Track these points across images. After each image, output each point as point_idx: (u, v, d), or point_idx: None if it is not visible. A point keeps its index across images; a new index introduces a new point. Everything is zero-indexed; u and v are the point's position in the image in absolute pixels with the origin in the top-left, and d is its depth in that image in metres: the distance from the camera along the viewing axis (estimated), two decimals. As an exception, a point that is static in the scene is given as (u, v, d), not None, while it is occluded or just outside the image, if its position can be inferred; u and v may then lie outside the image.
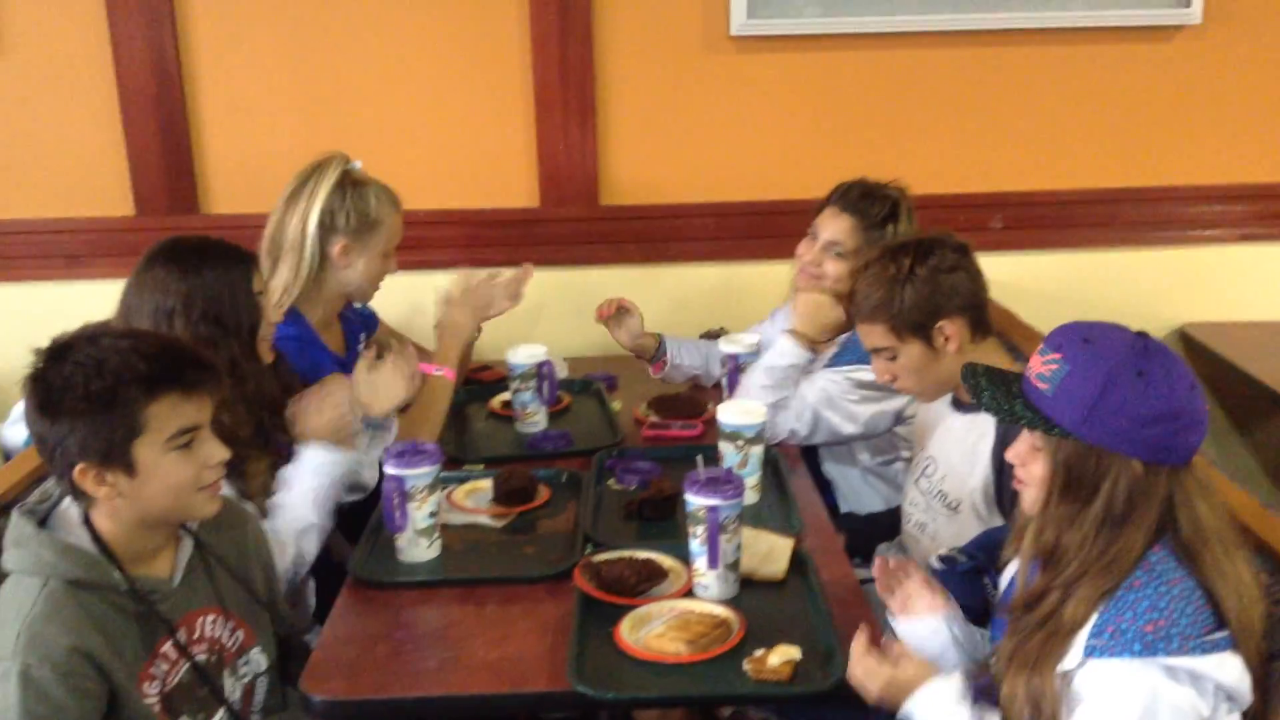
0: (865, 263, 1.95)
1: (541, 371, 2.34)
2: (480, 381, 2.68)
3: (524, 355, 2.33)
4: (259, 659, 1.64)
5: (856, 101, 2.89)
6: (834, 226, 2.32)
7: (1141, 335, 1.33)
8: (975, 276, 1.91)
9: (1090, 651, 1.26)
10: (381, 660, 1.56)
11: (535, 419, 2.36)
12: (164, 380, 1.41)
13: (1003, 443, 1.81)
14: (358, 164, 2.31)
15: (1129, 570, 1.28)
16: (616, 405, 2.49)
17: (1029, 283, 2.89)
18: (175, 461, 1.44)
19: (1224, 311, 3.00)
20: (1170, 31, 2.85)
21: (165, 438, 1.42)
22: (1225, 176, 2.94)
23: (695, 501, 1.64)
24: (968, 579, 1.66)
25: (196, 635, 1.55)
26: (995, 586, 1.60)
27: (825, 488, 2.33)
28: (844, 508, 2.35)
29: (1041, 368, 1.34)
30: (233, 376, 1.76)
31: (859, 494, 2.35)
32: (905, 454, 2.33)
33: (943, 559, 1.69)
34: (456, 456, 2.22)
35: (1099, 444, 1.28)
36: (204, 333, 1.78)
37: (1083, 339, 1.33)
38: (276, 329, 2.01)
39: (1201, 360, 2.91)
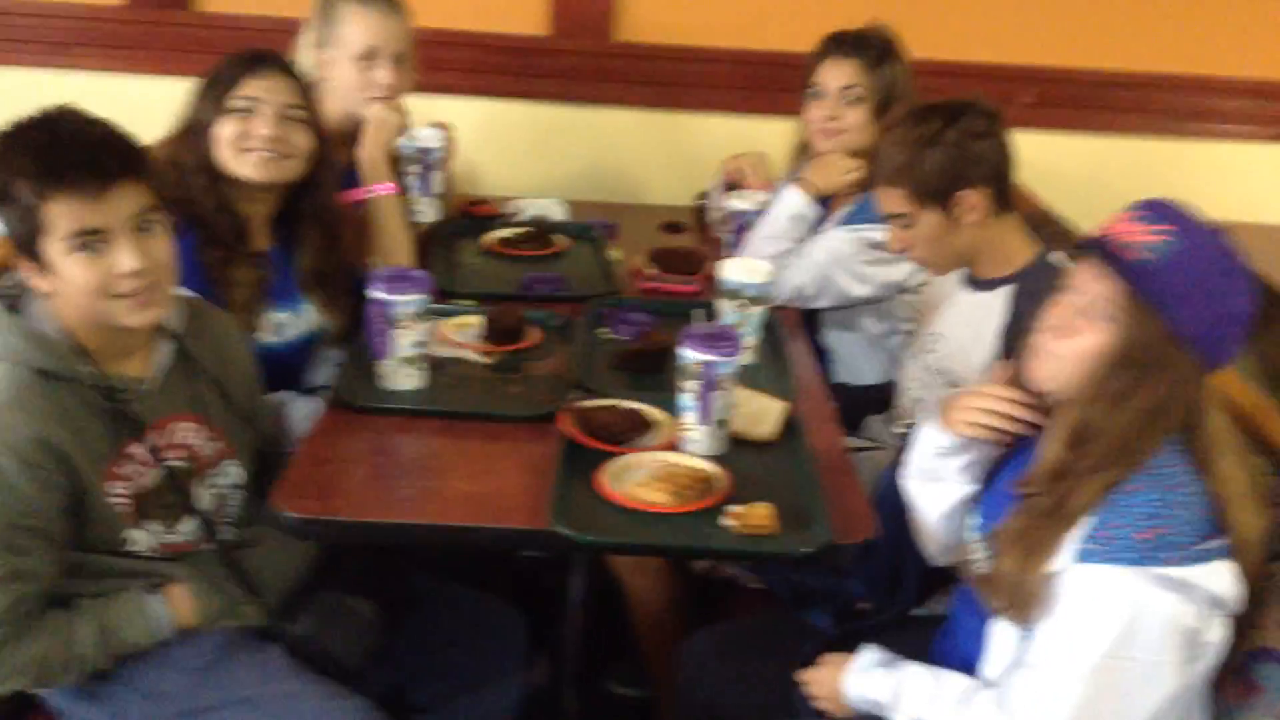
0: (891, 123, 1.85)
1: (424, 158, 2.20)
2: (474, 216, 2.58)
3: (417, 137, 2.19)
4: (235, 472, 1.60)
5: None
6: (841, 73, 2.24)
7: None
8: (1003, 146, 1.81)
9: (1082, 556, 1.23)
10: (358, 483, 1.53)
11: (418, 208, 2.24)
12: (51, 179, 1.33)
13: (1014, 322, 1.76)
14: None
15: (1137, 467, 1.24)
16: (615, 254, 2.40)
17: (1052, 164, 2.76)
18: (79, 264, 1.37)
19: (1248, 213, 2.90)
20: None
21: (61, 238, 1.35)
22: (1267, 71, 2.81)
23: (690, 355, 1.58)
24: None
25: (171, 440, 1.51)
26: None
27: (821, 358, 2.28)
28: (839, 377, 2.30)
29: (1145, 236, 1.26)
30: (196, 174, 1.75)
31: (857, 363, 2.30)
32: (906, 326, 2.27)
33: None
34: (446, 289, 2.15)
35: (1181, 329, 1.22)
36: (182, 132, 1.77)
37: (1195, 219, 1.27)
38: None
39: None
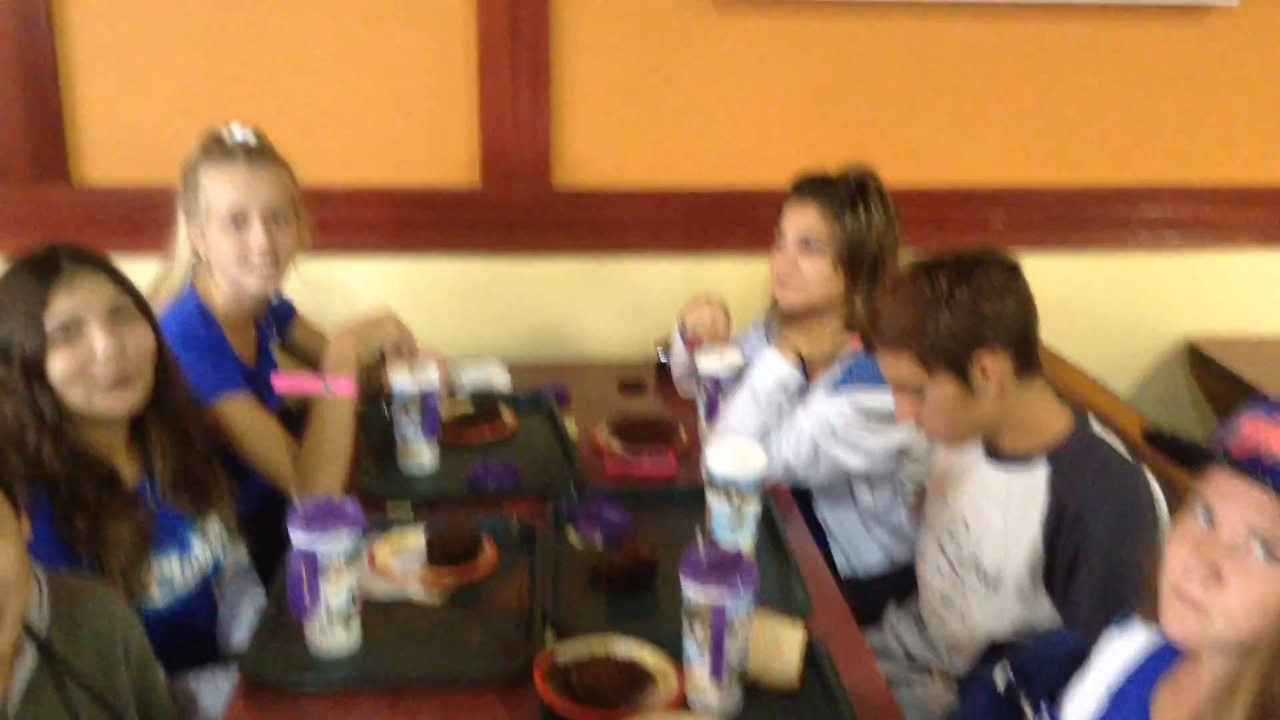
0: (894, 280, 1.61)
1: (426, 402, 1.92)
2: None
3: (408, 378, 1.90)
4: (123, 794, 1.25)
5: (848, 78, 2.53)
6: (799, 220, 2.01)
7: None
8: (1025, 302, 1.58)
9: None
10: (283, 811, 1.18)
11: (420, 456, 1.95)
12: None
13: (1059, 510, 1.50)
14: (230, 132, 1.89)
15: None
16: (572, 427, 2.11)
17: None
18: None
19: (1236, 323, 2.74)
20: (1199, 13, 2.54)
21: None
22: (1245, 175, 2.66)
23: (697, 595, 1.28)
24: (998, 706, 1.31)
25: None
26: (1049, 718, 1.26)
27: (818, 534, 1.99)
28: (840, 560, 2.01)
29: None
30: (33, 425, 1.41)
31: (856, 544, 2.02)
32: (909, 498, 2.01)
33: (970, 680, 1.35)
34: (376, 493, 1.83)
35: None
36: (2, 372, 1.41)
37: None
38: (176, 325, 1.74)
39: (1211, 377, 2.65)
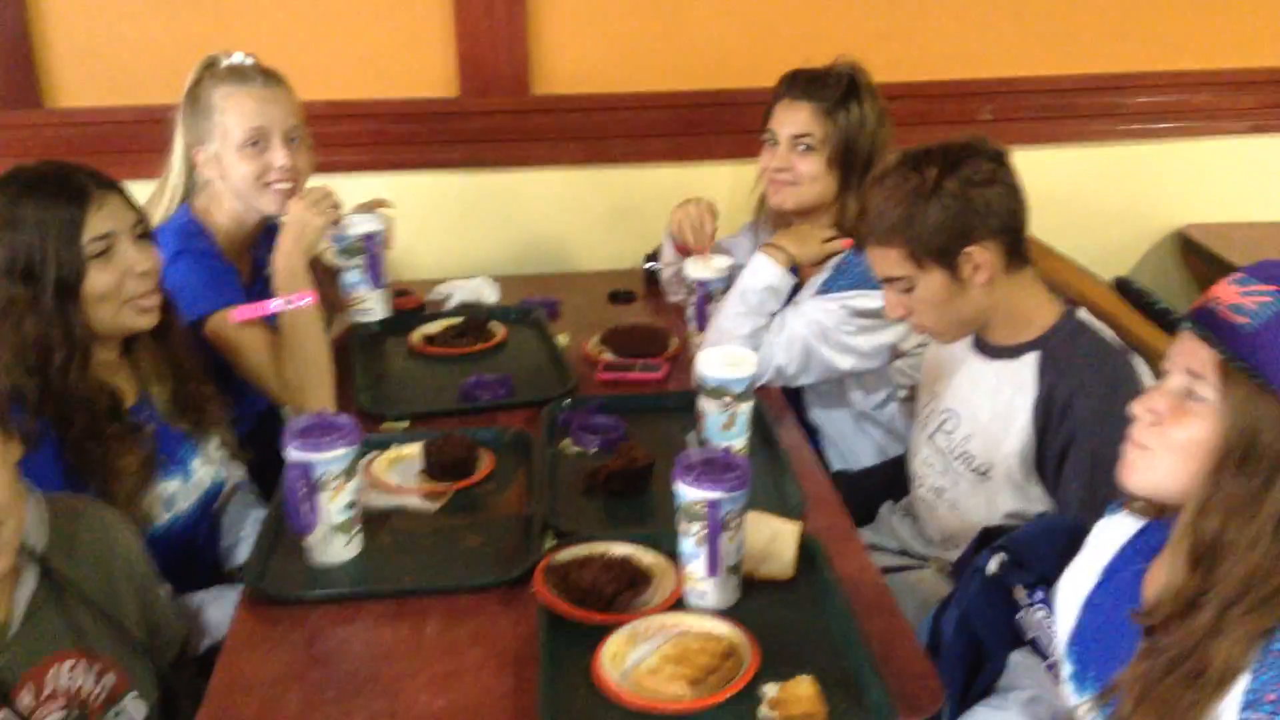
0: (881, 173, 1.59)
1: (368, 246, 1.92)
2: (397, 310, 2.25)
3: (352, 223, 1.91)
4: (135, 707, 1.28)
5: (832, -29, 2.47)
6: (793, 118, 1.98)
7: None
8: (1013, 192, 1.57)
9: None
10: (294, 715, 1.20)
11: (367, 305, 1.96)
12: None
13: (1048, 398, 1.51)
14: (230, 57, 1.88)
15: None
16: (563, 339, 2.11)
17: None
18: None
19: (1228, 211, 2.72)
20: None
21: None
22: (1237, 60, 2.62)
23: (690, 494, 1.29)
24: (992, 589, 1.34)
25: (50, 691, 1.18)
26: (1040, 604, 1.29)
27: (811, 435, 2.01)
28: (834, 461, 2.03)
29: (1242, 299, 1.02)
30: (40, 353, 1.41)
31: (849, 442, 2.03)
32: (901, 393, 2.02)
33: (963, 566, 1.37)
34: (371, 410, 1.83)
35: None
36: (16, 293, 1.40)
37: None
38: (176, 239, 1.76)
39: (1201, 264, 2.64)
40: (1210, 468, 1.02)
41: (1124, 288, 1.23)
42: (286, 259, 1.84)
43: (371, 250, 1.91)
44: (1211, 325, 1.03)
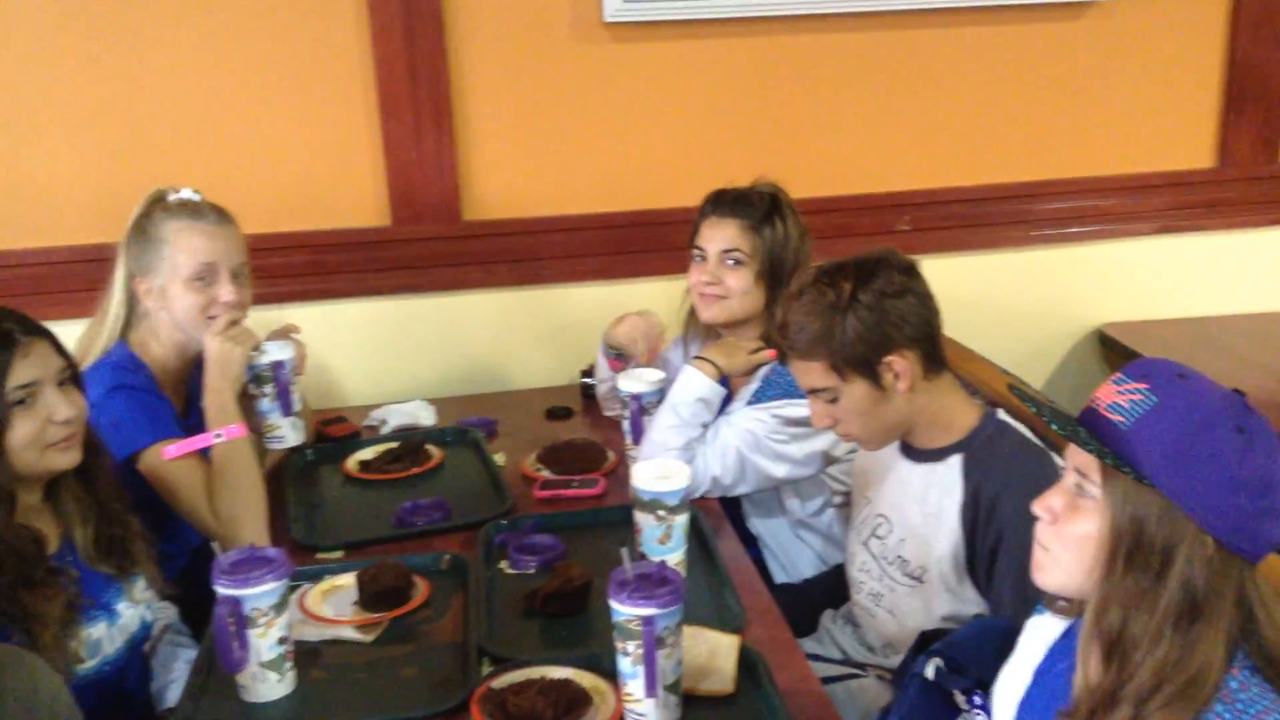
0: (798, 289, 1.64)
1: (278, 373, 1.91)
2: (329, 438, 2.25)
3: (263, 351, 1.90)
4: None
5: (747, 95, 2.58)
6: (721, 235, 2.04)
7: (1238, 392, 1.07)
8: (926, 301, 1.62)
9: None
10: None
11: (279, 433, 1.95)
12: None
13: (974, 499, 1.54)
14: (178, 193, 1.92)
15: (1210, 695, 1.00)
16: (500, 458, 2.11)
17: (941, 288, 2.63)
18: None
19: (1143, 309, 2.82)
20: (1078, 9, 2.64)
21: None
22: (1142, 165, 2.76)
23: (625, 612, 1.29)
24: (932, 694, 1.34)
25: None
26: (979, 710, 1.29)
27: (750, 545, 2.02)
28: (775, 570, 2.04)
29: (1117, 397, 1.06)
30: None
31: (788, 551, 2.04)
32: (836, 500, 2.04)
33: (902, 673, 1.38)
34: (304, 541, 1.81)
35: (1176, 498, 1.02)
36: None
37: (1176, 374, 1.07)
38: (110, 374, 1.76)
39: (1121, 362, 2.72)
40: (1104, 563, 1.06)
41: (1017, 392, 1.28)
42: (216, 394, 1.84)
43: (282, 377, 1.92)
44: (1093, 425, 1.08)
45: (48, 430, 1.48)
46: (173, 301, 1.88)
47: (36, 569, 1.42)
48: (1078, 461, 1.09)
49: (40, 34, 2.30)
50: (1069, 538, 1.09)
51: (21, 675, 1.27)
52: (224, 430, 1.82)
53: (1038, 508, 1.13)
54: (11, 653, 1.29)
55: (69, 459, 1.52)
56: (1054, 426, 1.10)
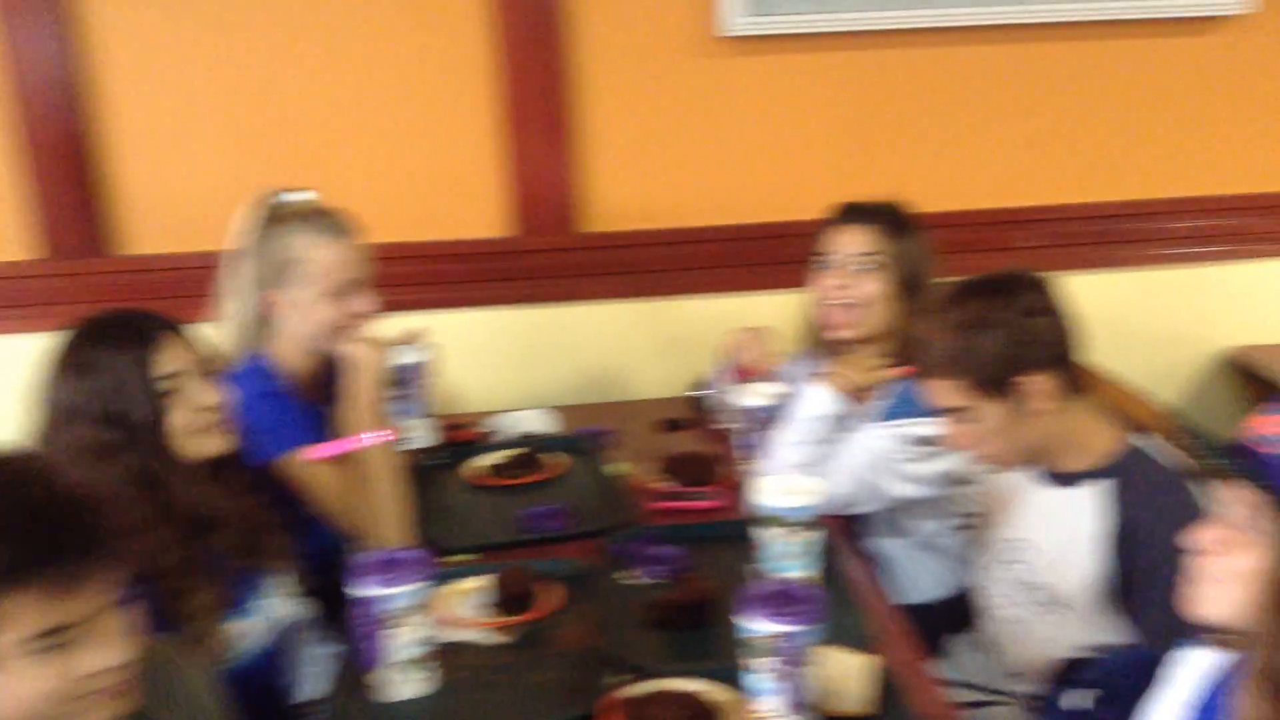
0: (931, 305, 1.62)
1: (410, 376, 1.94)
2: (454, 443, 2.29)
3: (396, 354, 1.93)
4: None
5: (870, 108, 2.57)
6: (855, 239, 2.01)
7: None
8: (1063, 319, 1.59)
9: None
10: None
11: (411, 434, 1.97)
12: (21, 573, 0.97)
13: (1130, 527, 1.50)
14: (290, 195, 1.95)
15: None
16: (621, 468, 2.13)
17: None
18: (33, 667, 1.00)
19: (1276, 333, 2.72)
20: (1213, 23, 2.56)
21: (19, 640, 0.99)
22: (1273, 185, 2.67)
23: (761, 628, 1.29)
24: None
25: None
26: None
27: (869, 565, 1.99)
28: (896, 595, 2.00)
29: (1274, 428, 1.03)
30: (145, 489, 1.44)
31: (909, 572, 2.01)
32: (958, 522, 2.01)
33: (1048, 701, 1.35)
34: (434, 543, 1.84)
35: None
36: (109, 438, 1.44)
37: None
38: (250, 382, 1.79)
39: (1255, 387, 2.63)
40: (1267, 598, 1.02)
41: (1180, 424, 1.26)
42: (362, 399, 1.87)
43: (415, 380, 1.95)
44: (1248, 457, 1.05)
45: (196, 417, 1.53)
46: (310, 314, 1.91)
47: (192, 564, 1.47)
48: (1248, 496, 1.06)
49: (178, 51, 2.41)
50: (1236, 572, 1.05)
51: (190, 672, 1.31)
52: (372, 434, 1.85)
53: (1206, 540, 1.09)
54: (179, 649, 1.34)
55: (220, 443, 1.57)
56: (1225, 463, 1.07)
